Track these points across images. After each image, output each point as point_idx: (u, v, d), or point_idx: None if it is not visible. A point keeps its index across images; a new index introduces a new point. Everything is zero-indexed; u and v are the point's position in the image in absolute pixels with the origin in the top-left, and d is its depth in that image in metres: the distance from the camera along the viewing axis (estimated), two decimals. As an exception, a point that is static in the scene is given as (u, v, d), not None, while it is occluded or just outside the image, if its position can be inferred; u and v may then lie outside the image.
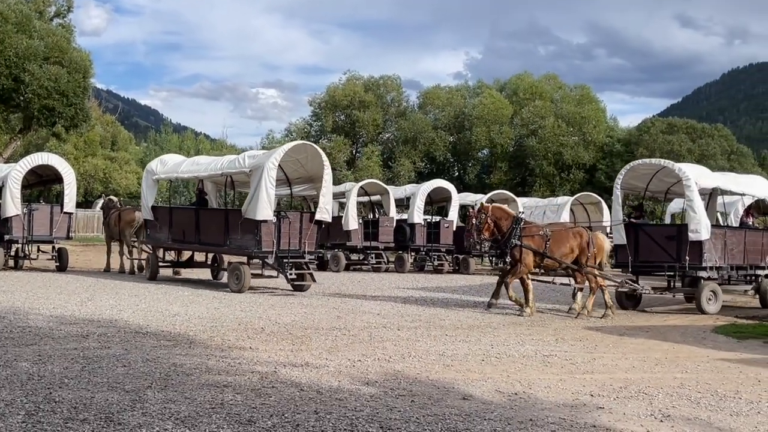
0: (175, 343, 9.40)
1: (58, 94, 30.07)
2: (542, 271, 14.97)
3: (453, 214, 27.20)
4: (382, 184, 28.55)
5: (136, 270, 21.16)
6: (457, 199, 27.68)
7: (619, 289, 15.73)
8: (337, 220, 25.79)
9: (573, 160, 46.97)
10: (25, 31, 30.08)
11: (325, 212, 17.03)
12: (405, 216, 27.55)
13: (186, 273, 21.04)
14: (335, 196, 27.66)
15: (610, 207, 20.78)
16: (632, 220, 16.29)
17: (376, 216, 28.58)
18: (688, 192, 14.96)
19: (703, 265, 14.93)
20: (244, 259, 17.59)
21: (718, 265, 15.39)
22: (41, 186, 24.88)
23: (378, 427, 5.88)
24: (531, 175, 48.15)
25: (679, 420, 6.49)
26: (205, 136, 79.61)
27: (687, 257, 14.83)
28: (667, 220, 27.03)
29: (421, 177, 44.47)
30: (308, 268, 16.85)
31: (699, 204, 14.99)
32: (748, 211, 19.16)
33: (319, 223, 17.03)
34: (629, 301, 15.91)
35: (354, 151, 50.50)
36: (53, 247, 21.45)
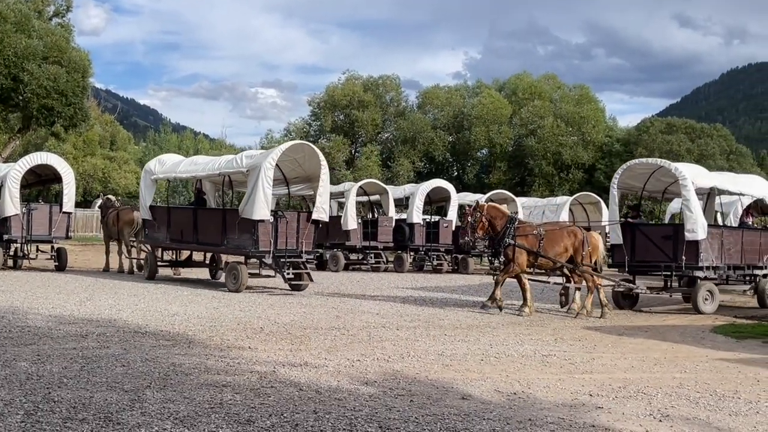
0: (174, 342, 9.40)
1: (57, 94, 30.05)
2: (536, 270, 15.00)
3: (452, 214, 27.20)
4: (381, 184, 28.54)
5: (135, 270, 21.16)
6: (456, 198, 27.68)
7: (616, 289, 15.75)
8: (336, 219, 25.80)
9: (572, 159, 46.97)
10: (24, 30, 30.05)
11: (322, 212, 17.05)
12: (404, 216, 27.56)
13: (185, 273, 21.04)
14: (334, 195, 27.69)
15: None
16: (629, 219, 16.29)
17: (375, 216, 28.59)
18: (685, 192, 14.96)
19: (700, 264, 14.92)
20: (242, 258, 17.59)
21: (714, 265, 15.38)
22: (40, 185, 24.88)
23: (377, 427, 5.88)
24: (530, 174, 48.15)
25: (678, 420, 6.49)
26: (204, 136, 79.47)
27: (683, 257, 14.83)
28: (667, 220, 27.04)
29: (420, 177, 44.47)
30: (305, 268, 16.87)
31: (695, 204, 14.98)
32: (748, 210, 19.15)
33: (316, 222, 17.05)
34: (626, 300, 15.91)
35: (353, 151, 50.49)
36: (52, 247, 21.44)
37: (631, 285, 15.59)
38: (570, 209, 28.66)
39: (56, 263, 21.22)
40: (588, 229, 15.40)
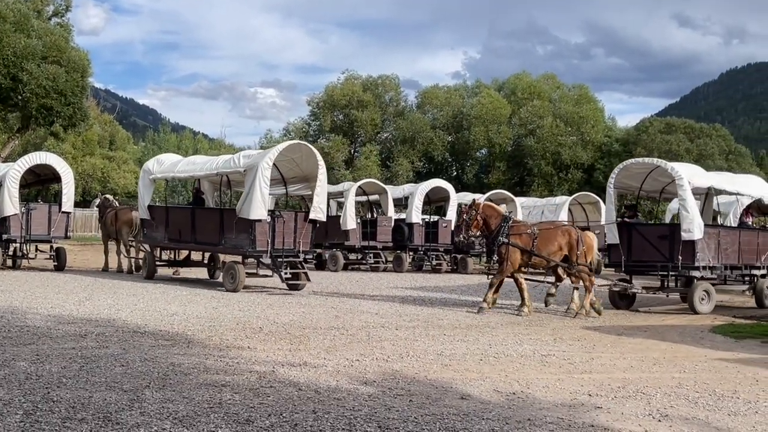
0: (173, 342, 9.40)
1: (56, 94, 30.02)
2: (532, 269, 15.02)
3: (451, 214, 27.19)
4: (381, 184, 28.54)
5: (133, 269, 21.15)
6: (456, 198, 27.68)
7: (612, 289, 15.75)
8: (335, 219, 25.82)
9: (571, 159, 46.96)
10: (23, 30, 30.02)
11: (319, 211, 17.09)
12: (403, 216, 27.56)
13: (184, 272, 21.04)
14: (334, 195, 27.71)
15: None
16: (626, 219, 16.29)
17: (375, 216, 28.58)
18: (681, 191, 14.95)
19: (696, 264, 14.90)
20: (240, 258, 17.60)
21: (711, 265, 15.36)
22: (39, 185, 24.87)
23: (376, 427, 5.88)
24: (529, 174, 48.13)
25: (677, 420, 6.50)
26: (203, 136, 79.45)
27: (680, 257, 14.82)
28: (668, 220, 27.01)
29: (420, 177, 44.44)
30: (303, 268, 16.90)
31: (692, 203, 14.96)
32: (748, 210, 19.13)
33: (313, 222, 17.07)
34: (623, 300, 15.90)
35: (352, 151, 50.46)
36: (51, 247, 21.43)
37: (626, 285, 15.59)
38: (569, 209, 28.65)
39: (55, 263, 21.21)
40: (587, 229, 15.42)
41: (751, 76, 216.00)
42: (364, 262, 26.44)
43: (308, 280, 16.91)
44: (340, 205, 27.61)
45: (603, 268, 17.14)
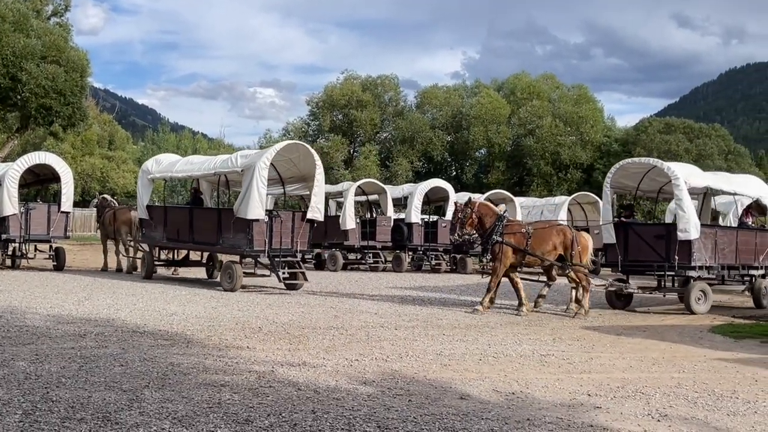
0: (172, 342, 9.40)
1: (56, 93, 30.02)
2: (526, 268, 15.05)
3: (450, 214, 27.14)
4: (380, 184, 28.54)
5: (132, 269, 21.15)
6: (455, 198, 27.64)
7: (608, 289, 15.75)
8: (334, 219, 25.83)
9: (570, 159, 46.96)
10: (22, 30, 30.02)
11: (317, 211, 17.12)
12: (402, 215, 27.56)
13: (183, 272, 21.04)
14: (333, 195, 27.71)
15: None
16: (622, 219, 16.29)
17: (374, 215, 28.58)
18: (677, 191, 14.94)
19: (692, 264, 14.88)
20: (238, 258, 17.62)
21: (708, 265, 15.34)
22: (38, 185, 24.87)
23: (375, 427, 5.88)
24: (528, 174, 48.12)
25: (677, 419, 6.50)
26: (202, 136, 79.42)
27: (676, 257, 14.81)
28: (668, 220, 27.01)
29: (419, 176, 44.42)
30: (300, 267, 16.93)
31: (688, 203, 14.93)
32: (748, 210, 19.11)
33: (311, 222, 17.09)
34: (619, 300, 15.90)
35: (351, 151, 50.44)
36: (50, 247, 21.42)
37: (621, 284, 15.58)
38: (568, 209, 28.65)
39: (54, 263, 21.20)
40: (587, 229, 15.42)
41: (750, 76, 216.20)
42: (363, 261, 26.44)
43: (305, 279, 16.95)
44: (340, 205, 27.61)
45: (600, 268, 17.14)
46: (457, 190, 30.05)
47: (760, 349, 10.71)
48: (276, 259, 16.44)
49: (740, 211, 19.20)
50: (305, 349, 9.32)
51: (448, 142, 49.85)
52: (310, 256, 24.76)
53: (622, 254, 15.40)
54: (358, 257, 26.63)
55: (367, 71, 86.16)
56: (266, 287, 17.50)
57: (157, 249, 19.78)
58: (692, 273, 15.04)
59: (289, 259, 16.77)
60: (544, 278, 15.62)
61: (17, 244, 20.99)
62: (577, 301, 14.29)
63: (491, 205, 15.19)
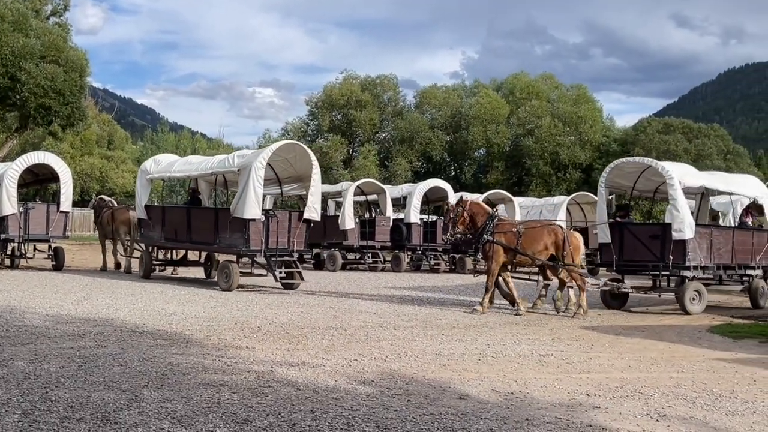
0: (171, 342, 9.40)
1: (55, 93, 30.00)
2: (519, 268, 15.09)
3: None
4: (379, 184, 28.54)
5: (128, 270, 21.15)
6: (454, 198, 27.66)
7: (603, 288, 15.75)
8: (333, 219, 25.84)
9: (569, 159, 46.98)
10: (21, 29, 30.00)
11: (313, 211, 17.17)
12: (401, 215, 27.56)
13: (183, 272, 21.04)
14: (332, 195, 27.72)
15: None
16: (618, 219, 16.29)
17: (373, 215, 28.59)
18: (671, 191, 14.92)
19: (687, 264, 14.86)
20: (235, 257, 17.64)
21: (703, 265, 15.32)
22: (37, 185, 24.88)
23: (374, 427, 5.88)
24: (527, 174, 48.14)
25: (675, 419, 6.50)
26: (201, 135, 79.46)
27: (671, 256, 14.80)
28: (668, 220, 27.00)
29: (418, 176, 44.43)
30: (297, 267, 16.96)
31: (682, 203, 14.89)
32: (748, 210, 19.10)
33: (308, 222, 17.12)
34: (615, 300, 15.88)
35: (351, 151, 50.44)
36: (49, 246, 21.43)
37: (614, 284, 15.58)
38: (567, 209, 28.66)
39: (53, 262, 21.21)
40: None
41: (749, 76, 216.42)
42: (362, 261, 26.44)
43: (302, 279, 17.01)
44: (339, 205, 27.61)
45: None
46: (456, 190, 30.03)
47: (758, 349, 10.71)
48: (273, 259, 16.47)
49: (739, 211, 19.19)
50: (304, 348, 9.32)
51: (447, 142, 49.86)
52: (309, 256, 24.77)
53: (618, 254, 15.39)
54: (357, 257, 26.63)
55: (367, 71, 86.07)
56: (264, 287, 17.51)
57: (155, 248, 19.79)
58: (687, 273, 15.00)
59: (285, 258, 16.82)
60: (535, 277, 15.66)
61: (16, 244, 20.99)
62: (555, 291, 14.32)
63: (483, 204, 15.23)
